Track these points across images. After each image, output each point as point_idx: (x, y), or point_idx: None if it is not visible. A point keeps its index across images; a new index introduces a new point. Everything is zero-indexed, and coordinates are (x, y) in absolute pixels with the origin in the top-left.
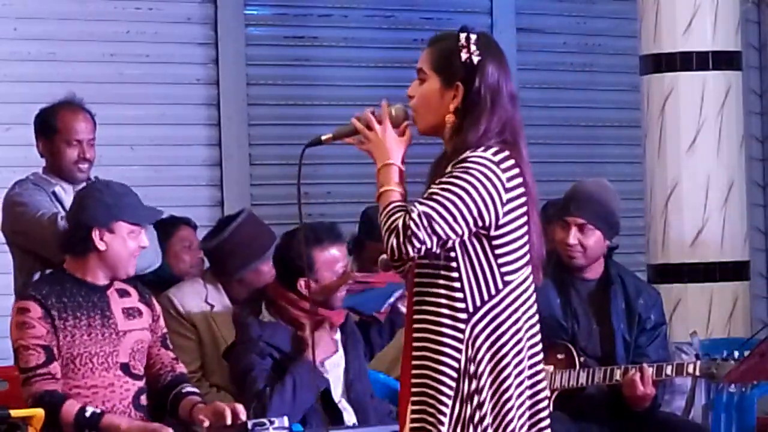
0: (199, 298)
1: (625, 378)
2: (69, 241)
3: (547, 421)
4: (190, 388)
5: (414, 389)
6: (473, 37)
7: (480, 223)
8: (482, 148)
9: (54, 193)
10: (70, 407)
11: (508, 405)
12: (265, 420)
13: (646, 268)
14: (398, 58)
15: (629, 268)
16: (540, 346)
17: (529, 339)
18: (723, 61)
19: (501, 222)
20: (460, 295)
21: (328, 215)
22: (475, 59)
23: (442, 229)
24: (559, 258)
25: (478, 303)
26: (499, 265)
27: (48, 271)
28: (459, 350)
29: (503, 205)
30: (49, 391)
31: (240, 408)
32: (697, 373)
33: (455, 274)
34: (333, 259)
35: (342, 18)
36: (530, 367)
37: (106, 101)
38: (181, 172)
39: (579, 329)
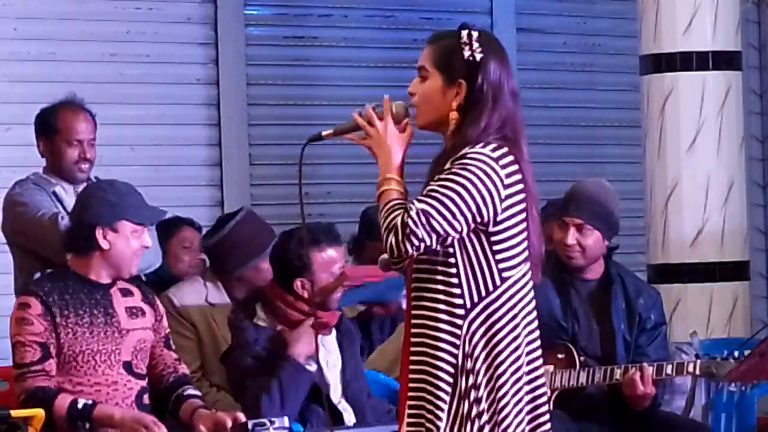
0: (199, 297)
1: (626, 377)
2: (72, 239)
3: (547, 416)
4: (191, 391)
5: (411, 384)
6: (475, 34)
7: (479, 219)
8: (481, 144)
9: (54, 193)
10: (63, 400)
11: (504, 401)
12: (265, 420)
13: (646, 268)
14: (398, 58)
15: (629, 268)
16: (538, 343)
17: (527, 336)
18: (723, 61)
19: (499, 218)
20: (457, 290)
21: (328, 215)
22: (478, 56)
23: (441, 226)
24: (558, 258)
25: (476, 299)
26: (497, 261)
27: (51, 270)
28: (456, 346)
29: (502, 201)
30: (42, 387)
31: (240, 416)
32: (697, 372)
33: (453, 270)
34: (330, 260)
35: (342, 18)
36: (528, 363)
37: (106, 101)
38: (181, 172)
39: (579, 329)
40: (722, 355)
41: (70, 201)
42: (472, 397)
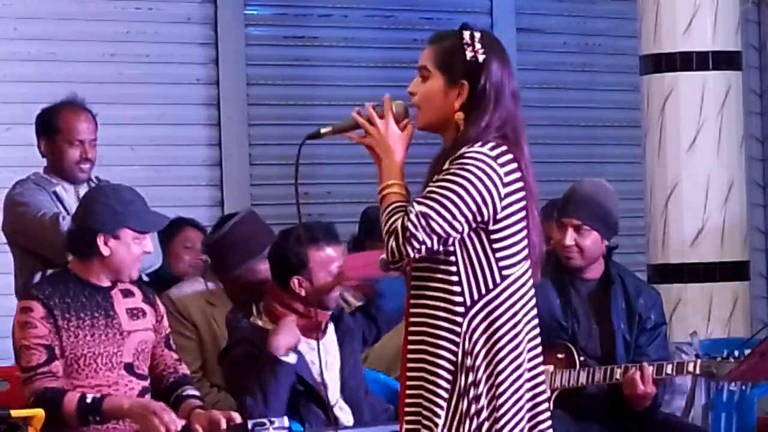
0: (199, 297)
1: (626, 377)
2: (74, 242)
3: (547, 414)
4: (191, 391)
5: (411, 383)
6: (477, 35)
7: (479, 219)
8: (479, 144)
9: (55, 193)
10: (71, 397)
11: (503, 398)
12: (265, 420)
13: (646, 268)
14: (398, 58)
15: (629, 268)
16: (538, 341)
17: (527, 333)
18: (723, 61)
19: (499, 216)
20: (457, 288)
21: (328, 215)
22: (480, 57)
23: (441, 227)
24: (558, 258)
25: (476, 296)
26: (497, 259)
27: (52, 271)
28: (456, 343)
29: (501, 199)
30: (50, 388)
31: (235, 416)
32: (698, 371)
33: (453, 268)
34: (328, 259)
35: (342, 18)
36: (529, 360)
37: (106, 101)
38: (181, 172)
39: (579, 329)
40: (722, 355)
41: (70, 201)
42: (471, 395)
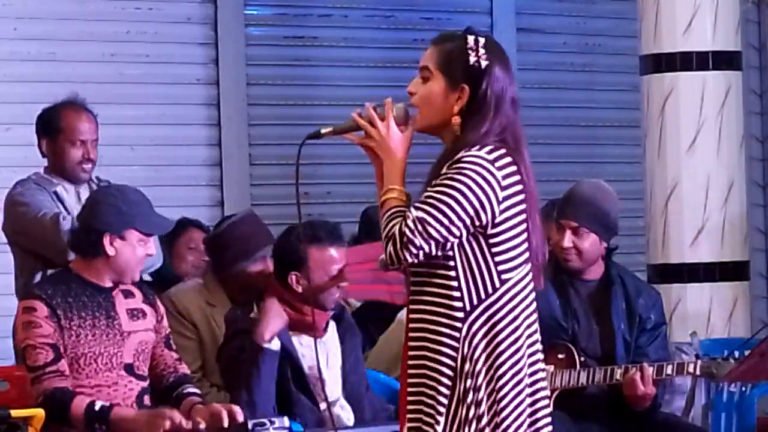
0: (199, 297)
1: (626, 377)
2: (78, 242)
3: (548, 419)
4: (191, 389)
5: (411, 388)
6: (482, 40)
7: (477, 223)
8: (477, 147)
9: (56, 193)
10: (80, 402)
11: (503, 403)
12: (265, 420)
13: (646, 268)
14: (398, 58)
15: (629, 268)
16: (539, 345)
17: (527, 338)
18: (723, 61)
19: (498, 220)
20: (457, 293)
21: (328, 215)
22: (483, 63)
23: (439, 232)
24: (558, 259)
25: (475, 301)
26: (497, 263)
27: (52, 271)
28: (456, 349)
29: (499, 203)
30: (60, 388)
31: (237, 409)
32: (698, 372)
33: (452, 273)
34: (328, 259)
35: (342, 18)
36: (529, 365)
37: (106, 101)
38: (181, 172)
39: (579, 329)
40: (722, 355)
41: (71, 201)
42: (471, 400)
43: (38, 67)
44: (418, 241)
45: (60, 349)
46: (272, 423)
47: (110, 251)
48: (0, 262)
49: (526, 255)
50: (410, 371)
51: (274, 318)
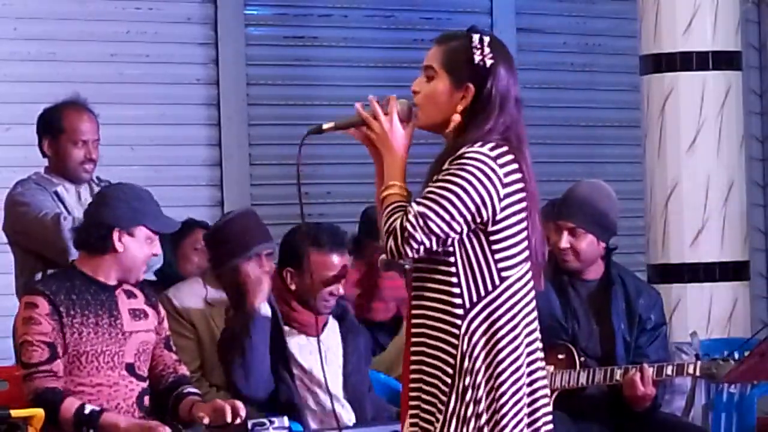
0: (198, 297)
1: (626, 378)
2: (86, 237)
3: (549, 417)
4: (190, 389)
5: (412, 385)
6: (486, 39)
7: (478, 219)
8: (479, 144)
9: (56, 193)
10: (70, 404)
11: (502, 400)
12: (265, 420)
13: (646, 268)
14: (398, 58)
15: (629, 268)
16: (539, 344)
17: (526, 336)
18: (723, 61)
19: (498, 217)
20: (457, 290)
21: (328, 215)
22: (488, 62)
23: (440, 228)
24: (557, 260)
25: (475, 298)
26: (497, 261)
27: (55, 270)
28: (455, 345)
29: (501, 200)
30: (50, 389)
31: (239, 405)
32: (698, 373)
33: (452, 269)
34: (326, 264)
35: (342, 18)
36: (528, 364)
37: (106, 101)
38: (181, 172)
39: (579, 329)
40: (722, 355)
41: (71, 201)
42: (470, 397)
43: (38, 67)
44: (419, 235)
45: (57, 349)
46: (272, 423)
47: (119, 247)
48: (0, 262)
49: (526, 253)
50: (411, 367)
51: (258, 282)
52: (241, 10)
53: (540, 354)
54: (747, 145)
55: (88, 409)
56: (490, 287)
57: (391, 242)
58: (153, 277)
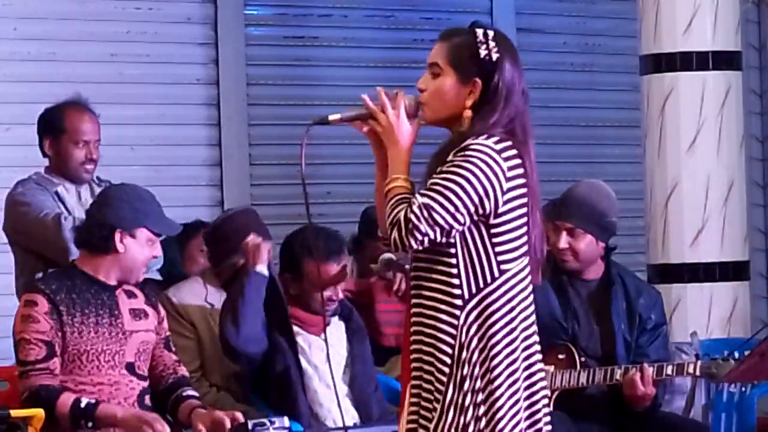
0: (198, 297)
1: (626, 378)
2: (88, 237)
3: (547, 410)
4: (190, 392)
5: (413, 373)
6: (491, 33)
7: (481, 211)
8: (484, 136)
9: (57, 193)
10: (66, 399)
11: (499, 392)
12: (265, 420)
13: (646, 268)
14: (398, 58)
15: (629, 268)
16: (536, 338)
17: (522, 331)
18: (723, 61)
19: (500, 210)
20: (456, 281)
21: (328, 215)
22: (494, 56)
23: (444, 219)
24: (557, 260)
25: (474, 290)
26: (496, 254)
27: (57, 268)
28: (454, 336)
29: (503, 193)
30: (45, 385)
31: (239, 416)
32: (698, 373)
33: (453, 261)
34: (323, 271)
35: (342, 18)
36: (525, 359)
37: (106, 101)
38: (181, 172)
39: (579, 329)
40: (722, 355)
41: (72, 201)
42: (468, 387)
43: (38, 67)
44: (424, 227)
45: (54, 347)
46: (272, 423)
47: (120, 248)
48: (0, 262)
49: (526, 248)
50: (412, 356)
51: (257, 248)
52: (241, 10)
53: (537, 347)
54: (747, 145)
55: (83, 402)
56: (489, 279)
57: (395, 233)
58: (159, 277)
